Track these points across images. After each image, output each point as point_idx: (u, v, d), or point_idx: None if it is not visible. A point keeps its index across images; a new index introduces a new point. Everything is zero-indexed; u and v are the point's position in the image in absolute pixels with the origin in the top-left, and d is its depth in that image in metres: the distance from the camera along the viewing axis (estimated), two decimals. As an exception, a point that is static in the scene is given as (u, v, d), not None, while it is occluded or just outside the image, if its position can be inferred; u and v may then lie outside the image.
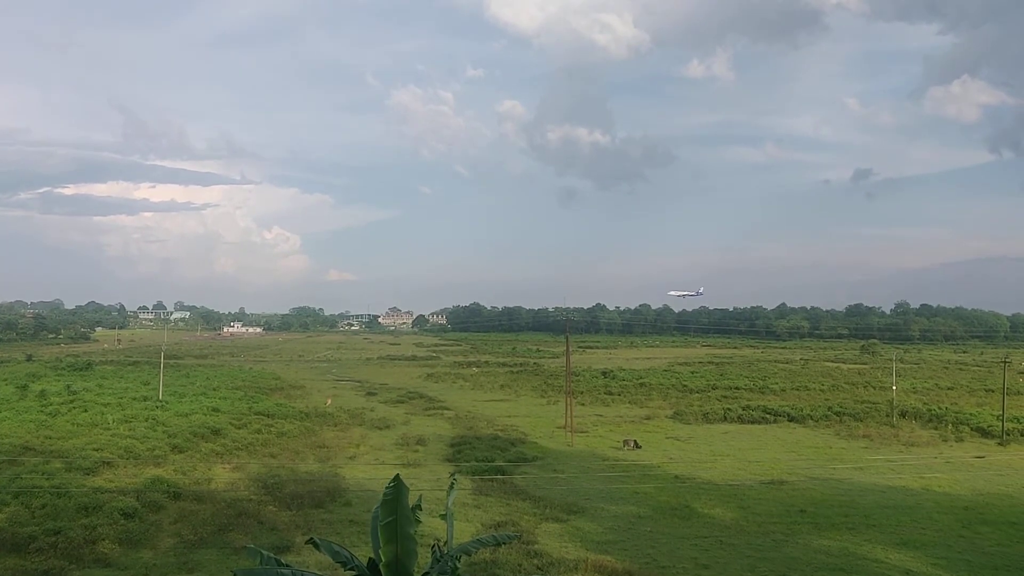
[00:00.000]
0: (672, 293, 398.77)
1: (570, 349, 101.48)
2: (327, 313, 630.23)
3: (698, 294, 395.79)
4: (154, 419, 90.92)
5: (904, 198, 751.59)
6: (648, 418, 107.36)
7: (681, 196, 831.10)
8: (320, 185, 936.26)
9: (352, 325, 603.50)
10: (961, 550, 50.74)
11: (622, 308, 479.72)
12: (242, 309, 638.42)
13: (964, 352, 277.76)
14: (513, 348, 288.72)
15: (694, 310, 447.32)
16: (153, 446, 76.25)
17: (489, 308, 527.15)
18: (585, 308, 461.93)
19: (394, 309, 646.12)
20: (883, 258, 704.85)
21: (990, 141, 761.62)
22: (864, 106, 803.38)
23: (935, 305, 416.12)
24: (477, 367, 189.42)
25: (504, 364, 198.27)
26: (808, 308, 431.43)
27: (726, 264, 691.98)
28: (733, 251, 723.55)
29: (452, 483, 29.79)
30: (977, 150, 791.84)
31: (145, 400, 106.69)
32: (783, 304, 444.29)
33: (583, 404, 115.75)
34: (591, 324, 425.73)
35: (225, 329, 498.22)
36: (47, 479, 61.29)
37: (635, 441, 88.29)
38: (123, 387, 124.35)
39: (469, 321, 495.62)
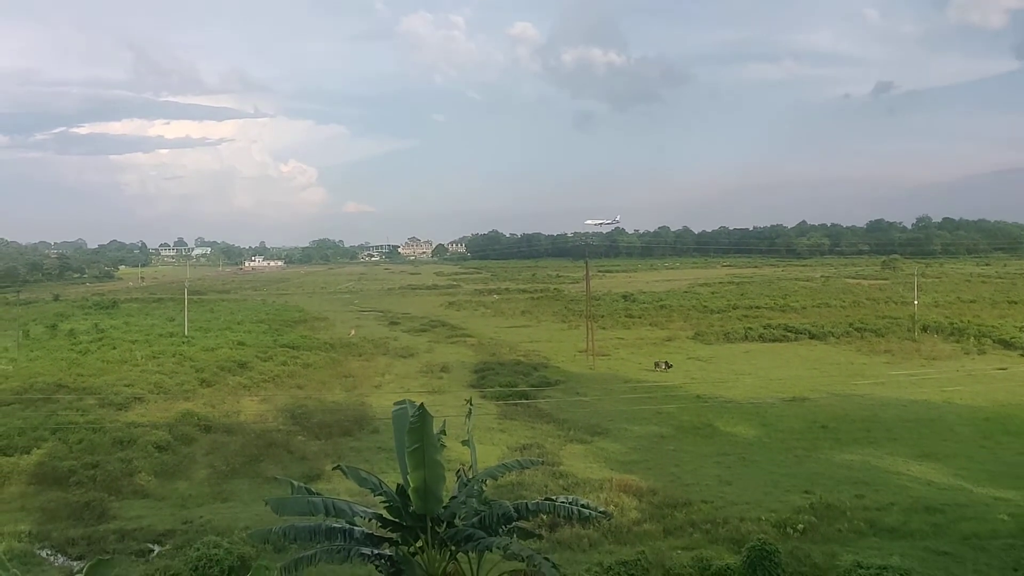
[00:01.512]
0: (589, 222, 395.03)
1: (589, 273, 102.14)
2: (347, 245, 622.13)
3: (615, 222, 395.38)
4: (181, 354, 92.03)
5: (926, 111, 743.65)
6: (669, 339, 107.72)
7: (699, 116, 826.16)
8: (334, 116, 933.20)
9: (372, 256, 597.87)
10: (982, 460, 51.24)
11: (641, 231, 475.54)
12: (263, 243, 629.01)
13: (987, 265, 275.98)
14: (533, 275, 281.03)
15: (713, 231, 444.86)
16: (182, 381, 77.49)
17: (508, 235, 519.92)
18: (604, 232, 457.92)
19: (413, 239, 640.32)
20: (904, 172, 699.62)
21: (1017, 48, 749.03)
22: (885, 17, 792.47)
23: (957, 219, 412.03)
24: (498, 294, 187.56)
25: (524, 291, 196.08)
26: (828, 225, 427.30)
27: (746, 182, 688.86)
28: (752, 169, 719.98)
29: (469, 409, 30.52)
30: (1002, 58, 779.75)
31: (171, 336, 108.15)
32: (803, 222, 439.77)
33: (604, 328, 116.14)
34: (610, 248, 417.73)
35: (246, 263, 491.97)
36: (82, 415, 62.57)
37: (666, 362, 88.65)
38: (149, 324, 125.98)
39: (488, 249, 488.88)
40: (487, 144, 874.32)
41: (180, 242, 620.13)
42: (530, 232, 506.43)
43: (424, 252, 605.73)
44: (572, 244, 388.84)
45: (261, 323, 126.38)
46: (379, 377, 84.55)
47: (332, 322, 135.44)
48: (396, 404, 27.55)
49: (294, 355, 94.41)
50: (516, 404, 70.05)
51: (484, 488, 28.07)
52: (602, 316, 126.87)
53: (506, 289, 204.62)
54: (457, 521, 25.77)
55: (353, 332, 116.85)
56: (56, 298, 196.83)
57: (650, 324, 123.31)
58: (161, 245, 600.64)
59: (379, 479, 27.15)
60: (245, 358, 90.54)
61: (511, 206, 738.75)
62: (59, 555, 37.07)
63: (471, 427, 29.50)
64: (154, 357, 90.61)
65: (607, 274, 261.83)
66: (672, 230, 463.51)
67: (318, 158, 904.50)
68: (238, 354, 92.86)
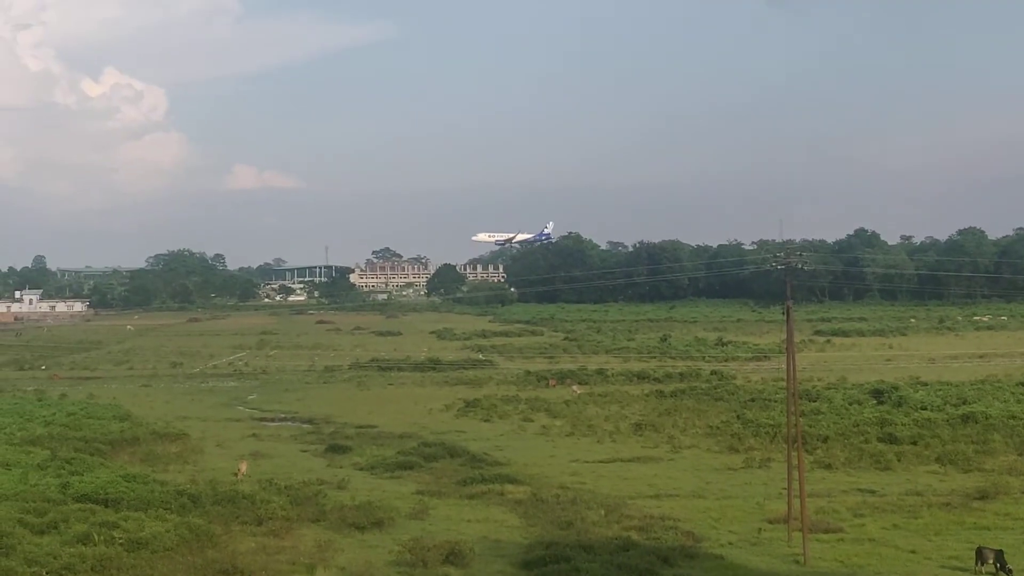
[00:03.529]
0: (480, 238, 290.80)
1: (793, 338, 46.10)
2: (232, 266, 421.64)
3: (542, 237, 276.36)
4: None
5: None
6: (985, 496, 52.62)
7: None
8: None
9: (295, 289, 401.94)
10: None
11: (914, 239, 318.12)
12: (40, 260, 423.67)
13: None
14: (663, 338, 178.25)
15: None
16: None
17: (600, 247, 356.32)
18: (823, 241, 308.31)
19: (383, 255, 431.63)
20: None
21: None
22: None
23: None
24: (579, 385, 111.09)
25: (641, 375, 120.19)
26: None
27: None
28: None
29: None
30: None
31: None
32: None
33: (828, 467, 61.27)
34: (842, 279, 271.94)
35: (0, 307, 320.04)
36: None
37: (997, 555, 39.95)
38: None
39: (555, 274, 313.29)
40: (540, 38, 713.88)
41: None
42: (650, 240, 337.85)
43: (407, 280, 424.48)
44: (751, 270, 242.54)
45: (33, 446, 68.61)
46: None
47: (198, 442, 75.85)
48: None
49: (110, 520, 43.85)
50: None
51: None
52: (825, 440, 68.40)
53: (599, 371, 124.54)
54: None
55: (243, 468, 62.02)
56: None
57: (937, 460, 64.73)
58: None
59: None
60: None
61: (604, 183, 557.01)
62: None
63: None
64: None
65: (836, 337, 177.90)
66: (957, 240, 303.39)
67: (171, 63, 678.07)
68: None
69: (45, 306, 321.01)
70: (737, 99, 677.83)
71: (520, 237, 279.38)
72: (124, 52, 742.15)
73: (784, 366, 54.52)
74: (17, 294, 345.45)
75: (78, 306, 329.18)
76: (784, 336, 54.93)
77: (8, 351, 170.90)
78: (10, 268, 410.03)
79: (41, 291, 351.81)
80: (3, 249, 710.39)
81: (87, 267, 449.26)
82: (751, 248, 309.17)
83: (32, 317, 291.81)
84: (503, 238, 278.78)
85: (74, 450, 65.00)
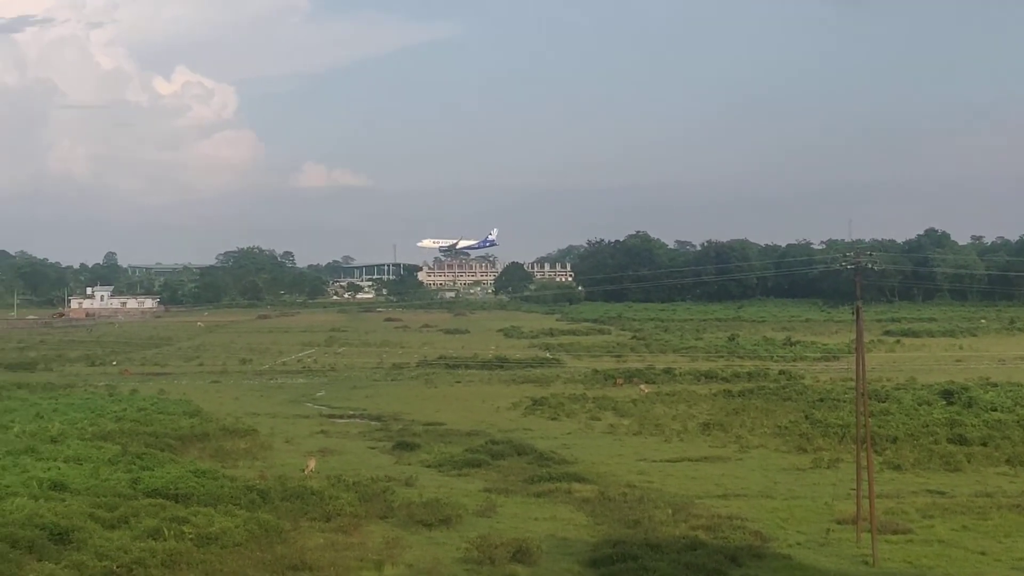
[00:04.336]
0: (425, 244, 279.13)
1: (862, 338, 45.40)
2: (301, 264, 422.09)
3: (486, 243, 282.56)
4: None
5: None
6: None
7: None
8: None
9: (364, 287, 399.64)
10: None
11: (984, 239, 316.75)
12: (111, 257, 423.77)
13: None
14: (731, 337, 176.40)
15: None
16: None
17: (668, 245, 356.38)
18: (892, 241, 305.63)
19: (450, 252, 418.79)
20: None
21: None
22: None
23: None
24: (646, 384, 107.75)
25: (709, 375, 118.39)
26: None
27: None
28: None
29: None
30: None
31: None
32: None
33: (898, 468, 60.54)
34: (911, 279, 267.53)
35: (71, 304, 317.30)
36: None
37: None
38: None
39: (623, 273, 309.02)
40: (615, 39, 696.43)
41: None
42: (719, 239, 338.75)
43: (475, 277, 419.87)
44: (819, 269, 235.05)
45: (104, 441, 67.97)
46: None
47: (267, 439, 74.94)
48: None
49: (180, 516, 44.27)
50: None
51: None
52: (894, 441, 67.56)
53: (667, 371, 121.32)
54: None
55: (312, 465, 62.14)
56: None
57: (1007, 461, 63.28)
58: None
59: None
60: (68, 520, 42.90)
61: (676, 181, 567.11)
62: None
63: None
64: None
65: (906, 337, 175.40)
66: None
67: (239, 63, 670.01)
68: (51, 512, 43.73)
69: (116, 302, 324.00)
70: (805, 96, 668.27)
71: (463, 244, 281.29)
72: (195, 50, 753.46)
73: (853, 366, 53.77)
74: (89, 290, 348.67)
75: (149, 303, 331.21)
76: (853, 336, 54.09)
77: (80, 347, 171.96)
78: (82, 264, 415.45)
79: (112, 288, 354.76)
80: (75, 246, 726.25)
81: (157, 264, 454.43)
82: (820, 248, 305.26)
83: (103, 313, 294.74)
84: (447, 244, 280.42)
85: (144, 445, 64.78)
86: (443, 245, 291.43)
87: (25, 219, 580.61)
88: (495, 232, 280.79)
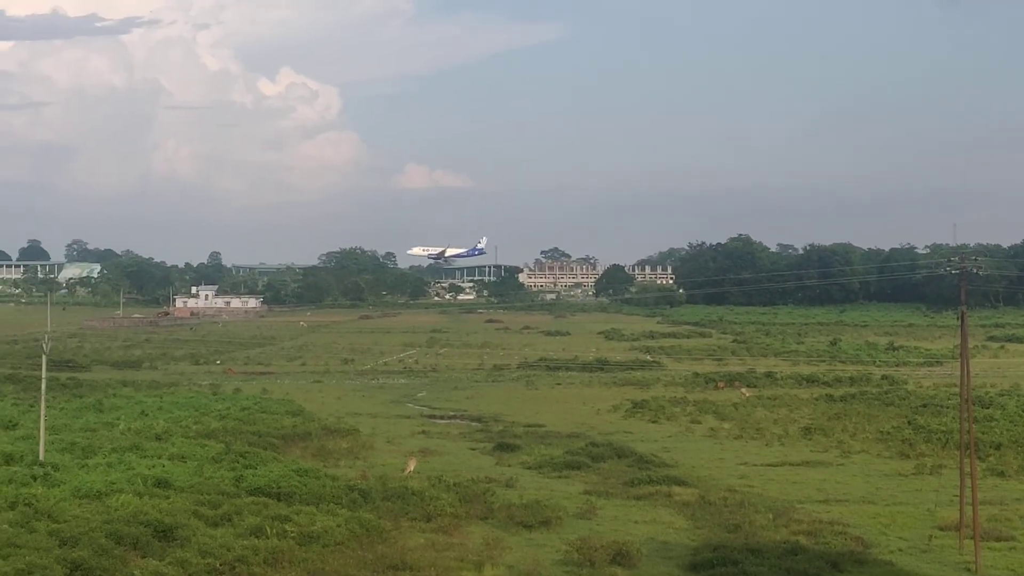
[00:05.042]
0: (415, 251, 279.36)
1: (967, 343, 44.57)
2: (403, 265, 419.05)
3: (474, 252, 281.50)
4: (29, 506, 44.55)
5: None
6: None
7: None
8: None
9: (465, 288, 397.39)
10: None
11: None
12: (215, 257, 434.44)
13: None
14: (833, 342, 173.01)
15: None
16: (28, 570, 36.17)
17: (770, 249, 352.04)
18: (997, 246, 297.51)
19: (552, 254, 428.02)
20: None
21: None
22: None
23: None
24: (747, 388, 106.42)
25: (811, 379, 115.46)
26: None
27: None
28: None
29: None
30: None
31: (7, 465, 55.61)
32: None
33: (1002, 475, 59.88)
34: (1017, 284, 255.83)
35: (176, 303, 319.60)
36: None
37: None
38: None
39: (724, 276, 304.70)
40: (720, 39, 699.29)
41: (34, 249, 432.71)
42: (820, 243, 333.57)
43: (576, 280, 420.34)
44: (924, 274, 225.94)
45: (208, 438, 68.42)
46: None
47: (367, 439, 75.12)
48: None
49: (282, 514, 44.64)
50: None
51: None
52: (999, 447, 66.21)
53: (768, 375, 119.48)
54: None
55: (412, 465, 62.46)
56: None
57: None
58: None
59: None
60: (172, 517, 43.41)
61: (780, 185, 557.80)
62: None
63: None
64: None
65: (1011, 343, 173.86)
66: None
67: (343, 65, 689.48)
68: (156, 508, 44.27)
69: (220, 302, 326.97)
70: (910, 98, 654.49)
71: (451, 252, 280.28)
72: (299, 52, 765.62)
73: (957, 372, 52.70)
74: (193, 290, 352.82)
75: (252, 302, 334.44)
76: (957, 341, 52.99)
77: (184, 346, 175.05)
78: (187, 264, 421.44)
79: (216, 287, 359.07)
80: (180, 245, 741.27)
81: (261, 264, 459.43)
82: (924, 252, 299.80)
83: (207, 313, 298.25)
84: (435, 251, 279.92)
85: (248, 444, 65.50)
86: (432, 252, 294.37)
87: (131, 219, 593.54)
88: (484, 240, 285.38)
